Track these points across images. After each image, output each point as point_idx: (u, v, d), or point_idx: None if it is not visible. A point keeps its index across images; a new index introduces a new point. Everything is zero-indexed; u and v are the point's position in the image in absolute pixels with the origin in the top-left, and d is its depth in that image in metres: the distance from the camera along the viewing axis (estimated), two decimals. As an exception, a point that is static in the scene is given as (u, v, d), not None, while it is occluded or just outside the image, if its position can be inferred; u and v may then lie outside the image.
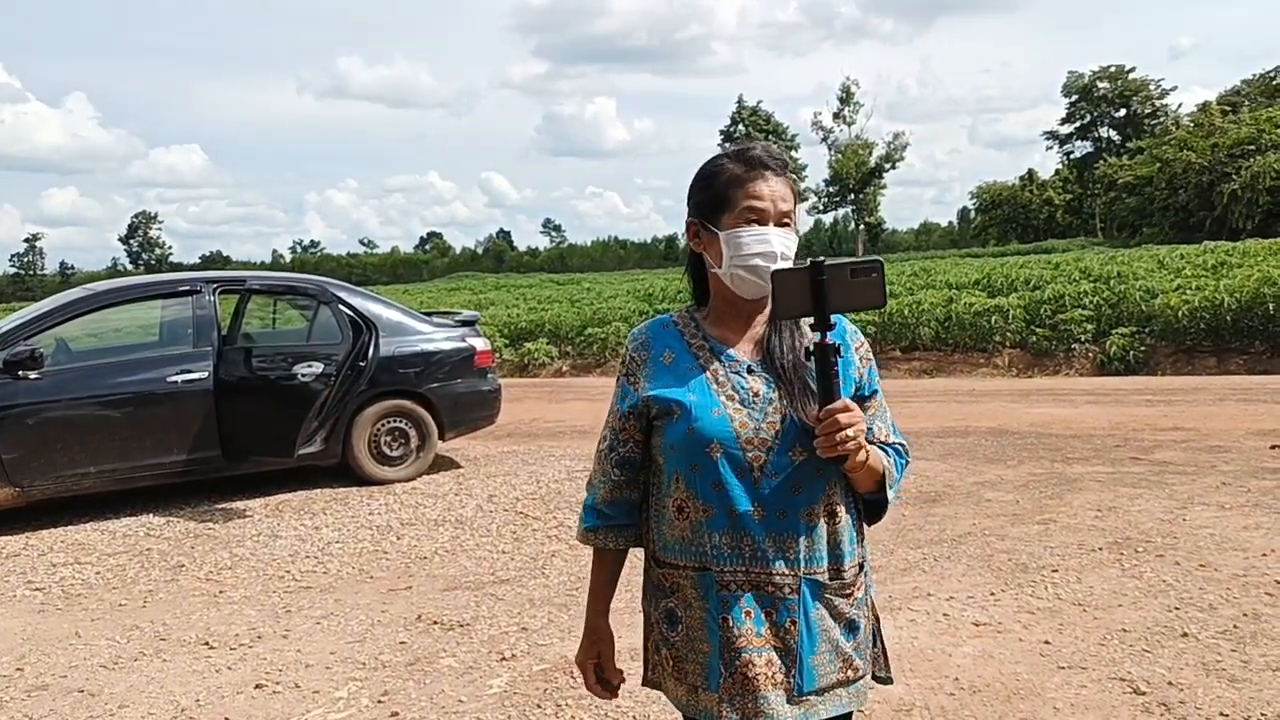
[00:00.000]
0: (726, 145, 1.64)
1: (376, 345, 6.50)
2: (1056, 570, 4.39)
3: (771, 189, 1.57)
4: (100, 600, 4.65)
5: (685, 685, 1.59)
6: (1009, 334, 13.16)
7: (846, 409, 1.43)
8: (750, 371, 1.58)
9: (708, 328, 1.64)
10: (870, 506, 1.65)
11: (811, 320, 1.46)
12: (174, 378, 6.13)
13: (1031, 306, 13.67)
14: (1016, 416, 8.69)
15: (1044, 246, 43.84)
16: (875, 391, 1.65)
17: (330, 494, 6.58)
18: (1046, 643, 3.60)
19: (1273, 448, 6.67)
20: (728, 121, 68.97)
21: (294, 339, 7.19)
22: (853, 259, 1.45)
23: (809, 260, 1.43)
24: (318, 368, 6.13)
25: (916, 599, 4.13)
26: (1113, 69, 59.33)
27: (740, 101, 68.69)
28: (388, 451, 6.84)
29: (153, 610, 4.47)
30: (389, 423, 6.84)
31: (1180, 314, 12.16)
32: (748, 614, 1.53)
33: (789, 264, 1.52)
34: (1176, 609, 3.85)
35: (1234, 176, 37.56)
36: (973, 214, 67.41)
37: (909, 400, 10.22)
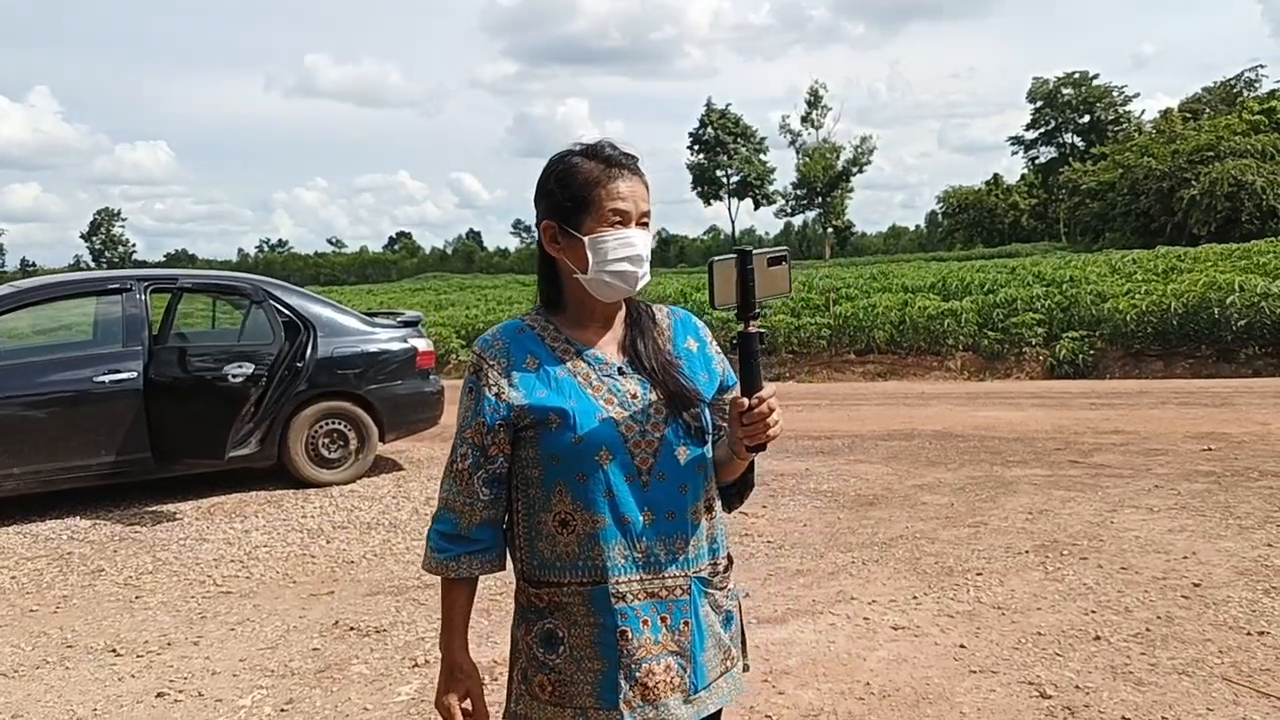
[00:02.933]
0: (575, 144, 1.56)
1: (314, 345, 6.41)
2: (980, 573, 4.40)
3: (631, 188, 1.51)
4: (11, 606, 4.52)
5: (571, 709, 1.49)
6: (961, 337, 13.27)
7: (772, 396, 1.44)
8: (622, 373, 1.54)
9: (567, 331, 1.57)
10: (740, 491, 1.66)
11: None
12: (102, 377, 5.99)
13: (984, 310, 13.80)
14: (962, 419, 8.74)
15: (1008, 251, 44.42)
16: (736, 382, 1.64)
17: (265, 496, 6.47)
18: (961, 646, 3.59)
19: (1206, 450, 6.75)
20: (697, 124, 69.18)
21: (228, 339, 7.04)
22: (767, 249, 1.48)
23: (735, 250, 1.45)
24: (249, 368, 6.01)
25: (839, 603, 4.12)
26: (1077, 75, 60.24)
27: (709, 104, 68.95)
28: (325, 454, 6.74)
29: (64, 616, 4.35)
30: (327, 424, 6.74)
31: (1129, 318, 12.32)
32: (645, 623, 1.49)
33: (721, 257, 1.51)
34: (1093, 612, 3.87)
35: (1194, 182, 38.19)
36: (940, 218, 68.06)
37: (859, 403, 10.25)
